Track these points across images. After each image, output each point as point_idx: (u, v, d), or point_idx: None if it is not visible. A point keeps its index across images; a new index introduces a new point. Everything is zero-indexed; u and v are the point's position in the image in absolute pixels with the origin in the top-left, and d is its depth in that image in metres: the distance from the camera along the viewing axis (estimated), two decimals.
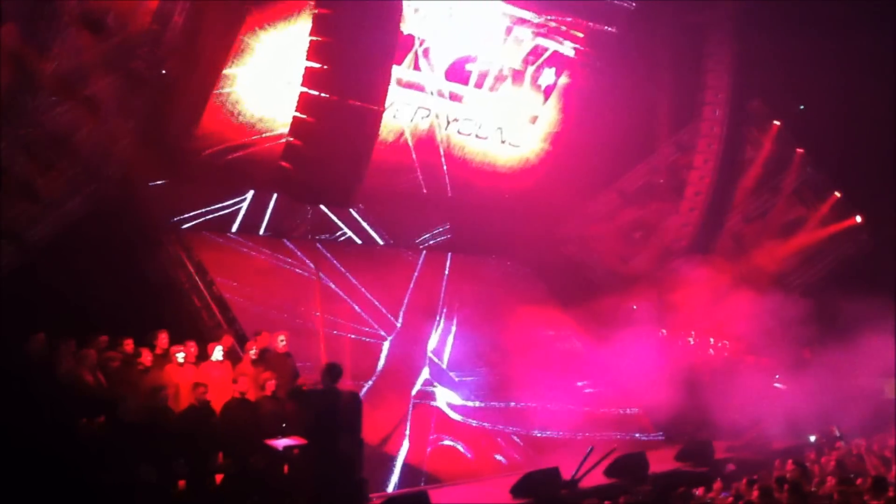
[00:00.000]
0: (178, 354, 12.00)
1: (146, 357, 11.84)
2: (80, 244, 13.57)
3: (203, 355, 12.45)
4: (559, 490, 13.42)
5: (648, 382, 18.13)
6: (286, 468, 11.55)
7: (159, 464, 10.92)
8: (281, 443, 11.49)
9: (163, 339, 12.20)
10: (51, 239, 13.43)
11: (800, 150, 22.86)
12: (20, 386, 10.48)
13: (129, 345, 11.94)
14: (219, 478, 11.41)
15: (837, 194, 23.00)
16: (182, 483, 11.07)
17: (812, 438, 17.09)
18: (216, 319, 14.64)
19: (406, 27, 16.37)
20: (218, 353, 12.38)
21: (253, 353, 12.72)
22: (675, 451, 16.33)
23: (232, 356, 12.84)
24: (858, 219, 23.03)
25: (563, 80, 19.92)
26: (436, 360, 17.33)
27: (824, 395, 17.95)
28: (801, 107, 22.68)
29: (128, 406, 11.23)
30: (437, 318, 18.30)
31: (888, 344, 18.69)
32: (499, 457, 16.16)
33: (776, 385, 19.93)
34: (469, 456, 15.70)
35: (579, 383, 18.50)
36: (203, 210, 16.46)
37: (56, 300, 12.52)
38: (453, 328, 18.36)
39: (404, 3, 14.74)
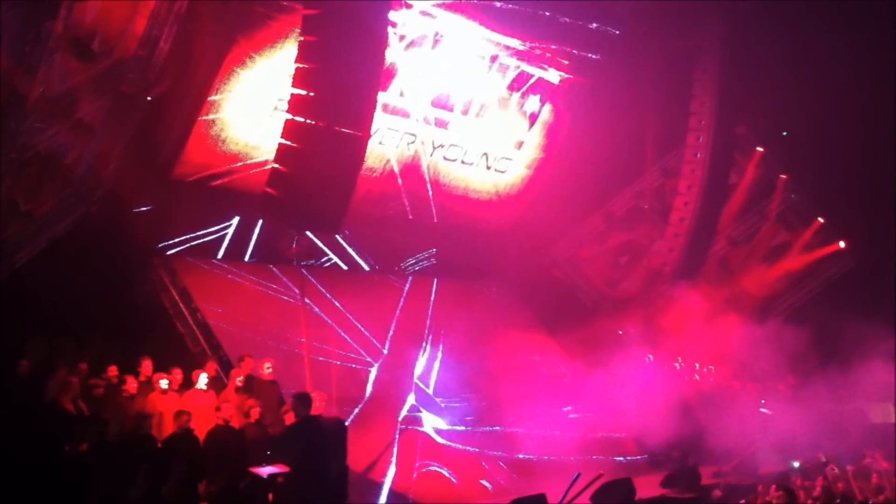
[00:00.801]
0: (161, 382, 11.93)
1: (131, 384, 11.77)
2: (66, 267, 13.53)
3: (188, 382, 12.39)
4: None
5: (635, 408, 18.11)
6: (271, 496, 11.48)
7: (143, 490, 10.85)
8: (265, 470, 11.42)
9: (146, 366, 12.15)
10: (38, 260, 13.39)
11: (783, 176, 23.04)
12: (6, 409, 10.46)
13: (112, 371, 11.89)
14: None
15: (821, 220, 23.18)
16: None
17: (796, 464, 17.06)
18: (200, 346, 14.59)
19: (392, 54, 16.45)
20: (202, 381, 12.32)
21: (239, 380, 12.65)
22: (662, 477, 16.26)
23: (216, 383, 12.77)
24: (842, 244, 23.19)
25: (549, 106, 20.03)
26: (422, 386, 17.27)
27: (810, 420, 17.95)
28: (784, 133, 22.85)
29: (111, 432, 11.19)
30: (424, 344, 18.26)
31: (873, 368, 18.75)
32: (485, 482, 16.06)
33: (762, 410, 19.93)
34: (455, 482, 15.62)
35: (566, 408, 18.44)
36: (188, 235, 16.41)
37: (41, 322, 12.48)
38: (440, 353, 18.33)
39: (390, 30, 14.85)
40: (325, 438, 11.23)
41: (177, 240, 16.20)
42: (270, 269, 17.25)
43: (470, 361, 18.20)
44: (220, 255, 16.85)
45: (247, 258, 17.16)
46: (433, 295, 19.59)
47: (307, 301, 16.24)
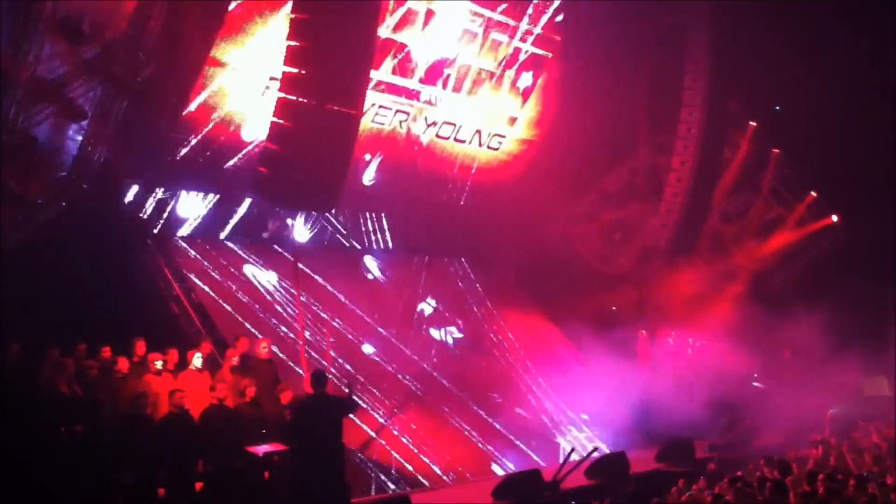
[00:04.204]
0: (156, 362, 11.93)
1: (123, 364, 11.77)
2: (58, 250, 13.48)
3: (183, 363, 12.40)
4: (541, 492, 13.43)
5: (629, 382, 18.21)
6: (266, 474, 11.53)
7: (139, 471, 10.90)
8: (261, 449, 11.48)
9: (140, 346, 12.14)
10: (30, 244, 13.34)
11: (776, 151, 23.05)
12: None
13: (106, 352, 11.89)
14: (198, 485, 11.36)
15: (813, 194, 23.21)
16: (162, 491, 11.02)
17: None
18: (195, 326, 14.58)
19: (384, 31, 16.39)
20: (197, 361, 12.33)
21: (235, 360, 12.67)
22: (656, 451, 16.36)
23: (211, 363, 12.79)
24: (834, 218, 23.24)
25: (542, 82, 20.00)
26: (418, 363, 17.32)
27: (804, 393, 18.07)
28: (777, 108, 22.83)
29: (107, 414, 11.22)
30: (417, 322, 18.32)
31: (867, 341, 18.86)
32: (482, 458, 16.16)
33: (755, 384, 20.05)
34: (450, 458, 15.68)
35: (560, 384, 18.54)
36: (182, 216, 16.39)
37: (34, 306, 12.44)
38: (433, 331, 18.40)
39: (381, 7, 14.78)
40: (327, 416, 11.29)
41: (170, 221, 16.18)
42: (264, 248, 17.24)
43: (464, 339, 18.27)
44: (214, 236, 16.82)
45: (241, 238, 17.12)
46: (427, 272, 19.61)
47: (301, 281, 16.25)
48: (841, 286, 19.96)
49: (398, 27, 17.11)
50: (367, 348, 16.84)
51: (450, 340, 18.54)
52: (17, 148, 12.96)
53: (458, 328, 18.89)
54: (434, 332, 18.45)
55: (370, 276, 18.66)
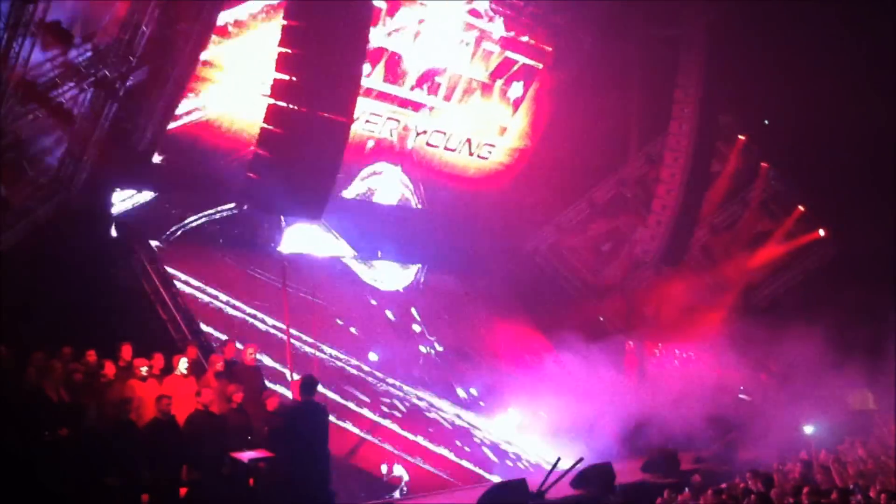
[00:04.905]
0: (141, 368, 11.87)
1: (109, 369, 11.71)
2: (46, 253, 13.44)
3: (169, 368, 12.35)
4: (527, 501, 13.39)
5: (616, 393, 18.22)
6: (252, 481, 11.49)
7: (124, 476, 10.85)
8: (247, 455, 11.43)
9: (126, 351, 12.08)
10: (18, 247, 13.28)
11: (765, 165, 23.13)
12: None
13: (91, 356, 11.83)
14: (183, 491, 11.30)
15: (801, 208, 23.30)
16: (146, 496, 10.97)
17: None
18: (182, 331, 14.53)
19: (376, 39, 16.41)
20: (183, 366, 12.26)
21: (219, 365, 12.62)
22: (642, 462, 16.36)
23: (196, 368, 12.73)
24: (822, 232, 23.32)
25: (532, 92, 20.04)
26: (405, 372, 17.31)
27: (790, 406, 18.10)
28: (766, 122, 22.91)
29: (89, 417, 11.17)
30: (406, 331, 18.30)
31: (852, 355, 18.91)
32: (467, 466, 16.15)
33: (741, 397, 20.08)
34: (436, 467, 15.68)
35: (546, 393, 18.51)
36: (170, 220, 16.35)
37: (22, 309, 12.38)
38: (422, 341, 18.38)
39: (374, 15, 14.81)
40: (314, 423, 11.27)
41: (159, 224, 16.15)
42: (252, 254, 17.20)
43: (451, 349, 18.25)
44: (201, 241, 16.78)
45: (229, 243, 17.09)
46: (417, 282, 19.61)
47: (289, 287, 16.22)
48: (830, 298, 20.00)
49: (390, 35, 17.12)
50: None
51: (435, 351, 18.51)
52: (4, 151, 12.93)
53: (446, 337, 18.87)
54: (422, 341, 18.42)
55: (359, 284, 18.62)
